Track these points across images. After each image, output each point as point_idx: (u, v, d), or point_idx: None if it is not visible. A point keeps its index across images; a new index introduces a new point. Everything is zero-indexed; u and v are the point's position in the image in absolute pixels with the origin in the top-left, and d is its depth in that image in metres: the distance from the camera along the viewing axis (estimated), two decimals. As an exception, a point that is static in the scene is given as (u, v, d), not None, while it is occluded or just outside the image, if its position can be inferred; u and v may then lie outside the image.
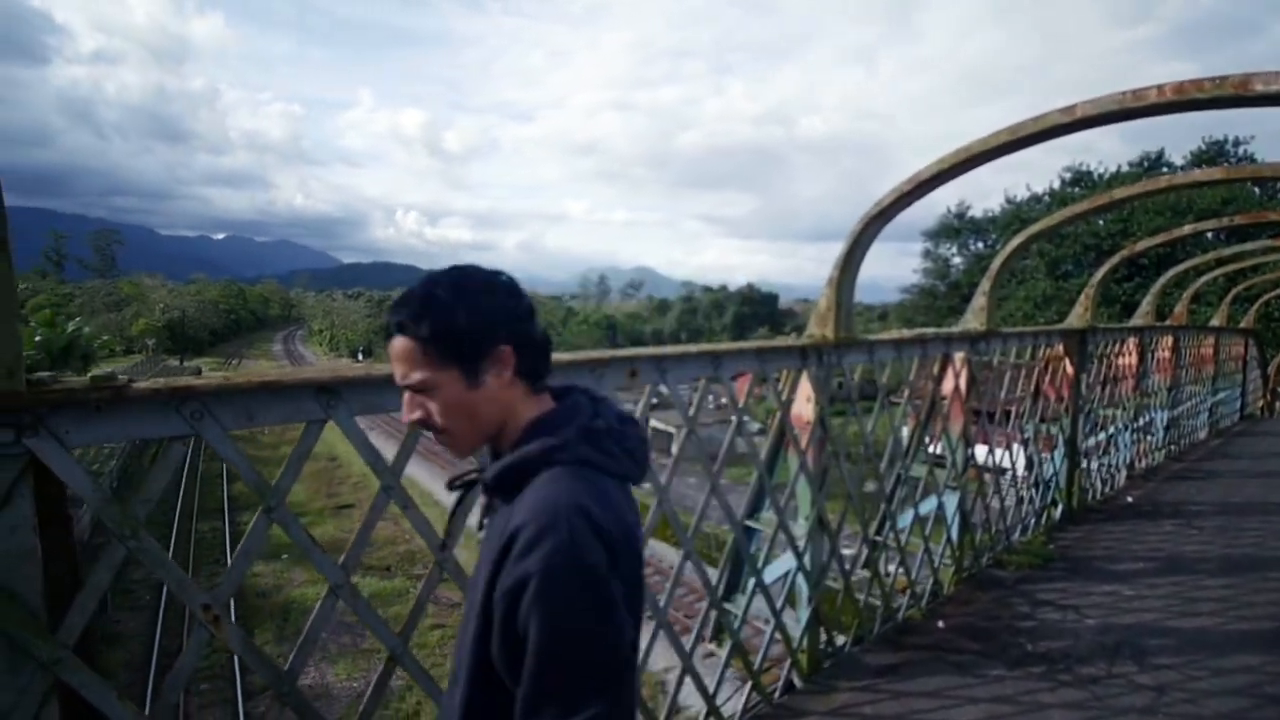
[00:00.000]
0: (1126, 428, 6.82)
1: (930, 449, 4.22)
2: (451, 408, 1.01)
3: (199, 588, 1.58)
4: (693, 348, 2.40)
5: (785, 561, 3.23)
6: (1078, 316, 5.59)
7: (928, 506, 4.06)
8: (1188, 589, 4.19)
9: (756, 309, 72.48)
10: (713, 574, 3.02)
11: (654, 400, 2.36)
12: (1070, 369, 5.45)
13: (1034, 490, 5.18)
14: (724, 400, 2.89)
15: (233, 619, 1.62)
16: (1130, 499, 6.25)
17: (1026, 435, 5.00)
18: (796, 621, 3.10)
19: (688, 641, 2.65)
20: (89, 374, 1.43)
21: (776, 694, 2.96)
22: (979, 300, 4.14)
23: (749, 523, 3.22)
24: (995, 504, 4.64)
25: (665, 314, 78.42)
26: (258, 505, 1.65)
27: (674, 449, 2.55)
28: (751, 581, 2.87)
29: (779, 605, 2.98)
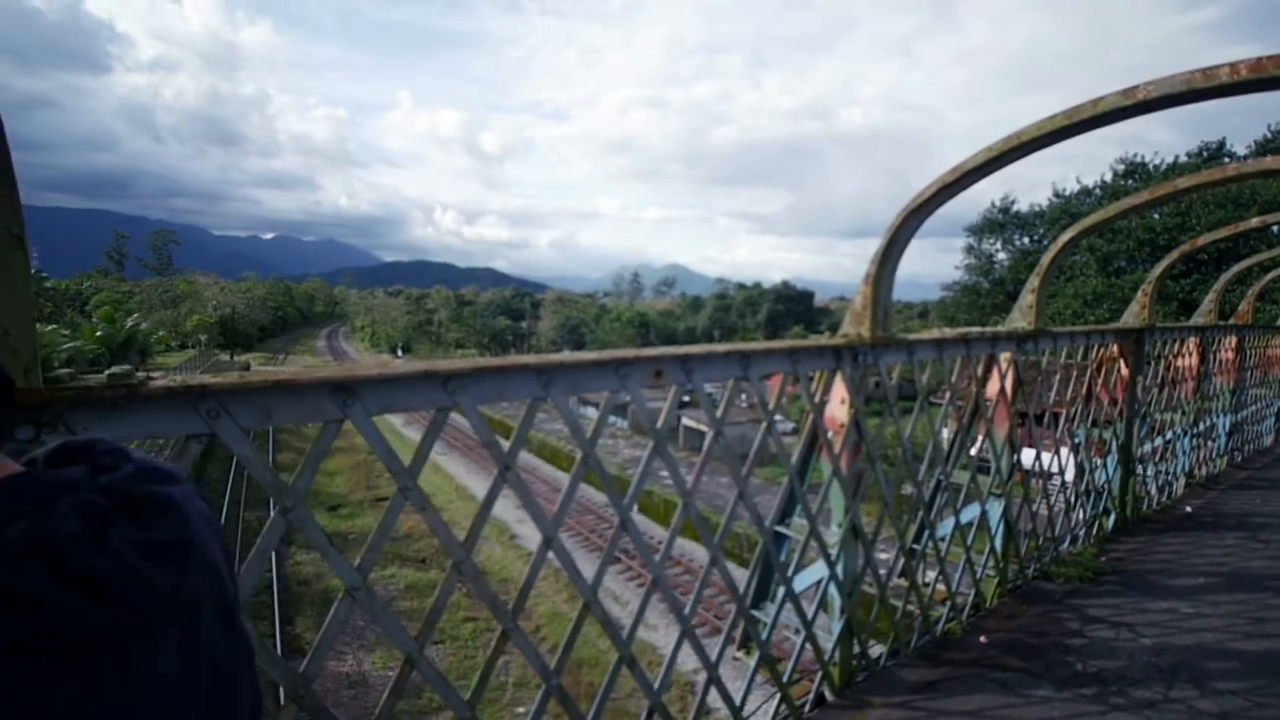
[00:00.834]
0: (1186, 433, 6.45)
1: (973, 453, 4.04)
2: None
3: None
4: (720, 347, 2.31)
5: (817, 569, 3.12)
6: (1134, 315, 5.29)
7: (970, 514, 3.88)
8: (1254, 608, 3.92)
9: (791, 306, 71.55)
10: (743, 576, 2.93)
11: (685, 398, 2.29)
12: (1125, 370, 5.17)
13: (1084, 498, 4.93)
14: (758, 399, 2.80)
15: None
16: (1189, 509, 5.91)
17: (1077, 440, 4.76)
18: (828, 632, 2.98)
19: (715, 647, 2.57)
20: (107, 371, 1.42)
21: (806, 707, 2.85)
22: (1027, 298, 3.93)
23: (779, 528, 3.11)
24: (1042, 512, 4.42)
25: (698, 312, 78.05)
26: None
27: (704, 449, 2.46)
28: (781, 590, 2.77)
29: (810, 615, 2.87)
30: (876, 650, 3.25)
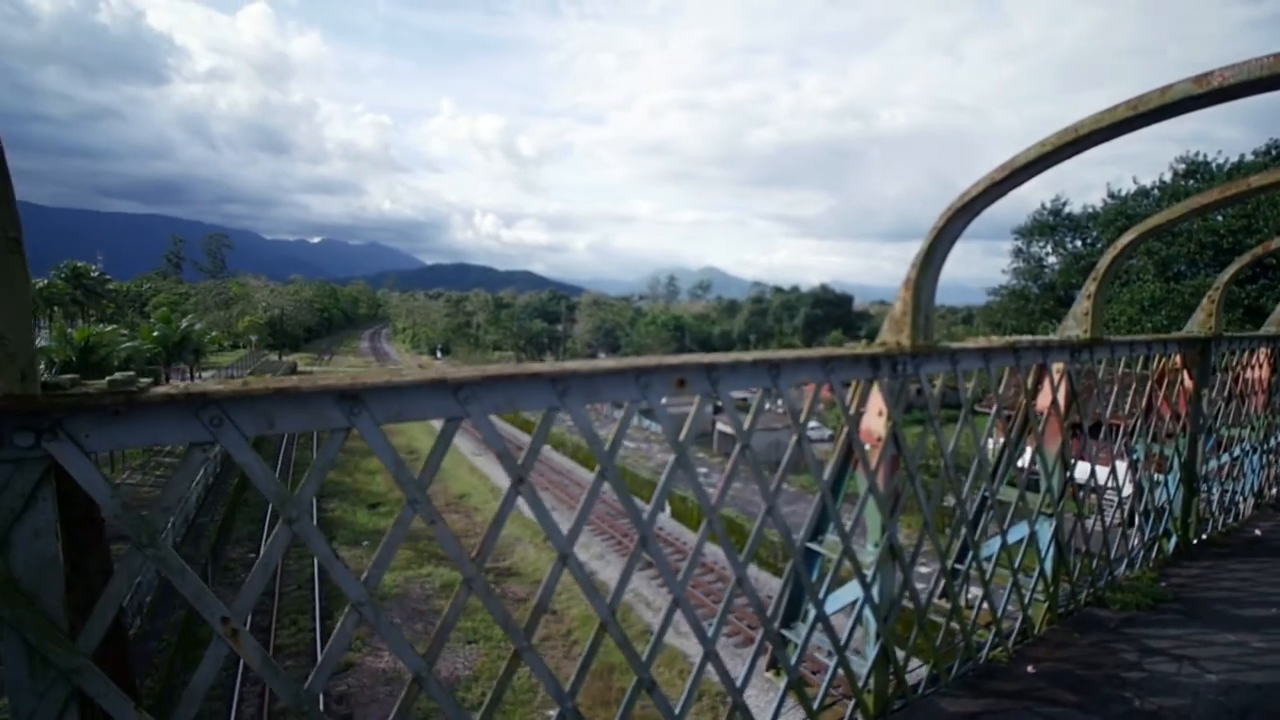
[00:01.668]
0: (1255, 450, 6.02)
1: (1021, 467, 3.81)
2: None
3: (218, 600, 1.52)
4: (747, 356, 2.18)
5: (851, 589, 2.96)
6: (1199, 323, 4.96)
7: (1017, 534, 3.66)
8: (1336, 643, 3.60)
9: (830, 311, 70.31)
10: (776, 584, 2.80)
11: (718, 401, 2.18)
12: (1189, 382, 4.84)
13: (1143, 519, 4.62)
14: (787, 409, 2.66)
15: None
16: (1258, 532, 5.50)
17: (1136, 456, 4.46)
18: (863, 658, 2.82)
19: (745, 658, 2.44)
20: (107, 378, 1.39)
21: (839, 736, 2.70)
22: (1082, 304, 3.69)
23: (811, 545, 2.96)
24: (1096, 531, 4.15)
25: (734, 315, 77.40)
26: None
27: (733, 458, 2.34)
28: (812, 613, 2.62)
29: (844, 637, 2.71)
30: (915, 676, 3.07)
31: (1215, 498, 5.48)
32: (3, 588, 1.29)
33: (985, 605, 3.40)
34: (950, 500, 3.20)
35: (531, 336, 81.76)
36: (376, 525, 25.98)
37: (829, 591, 2.76)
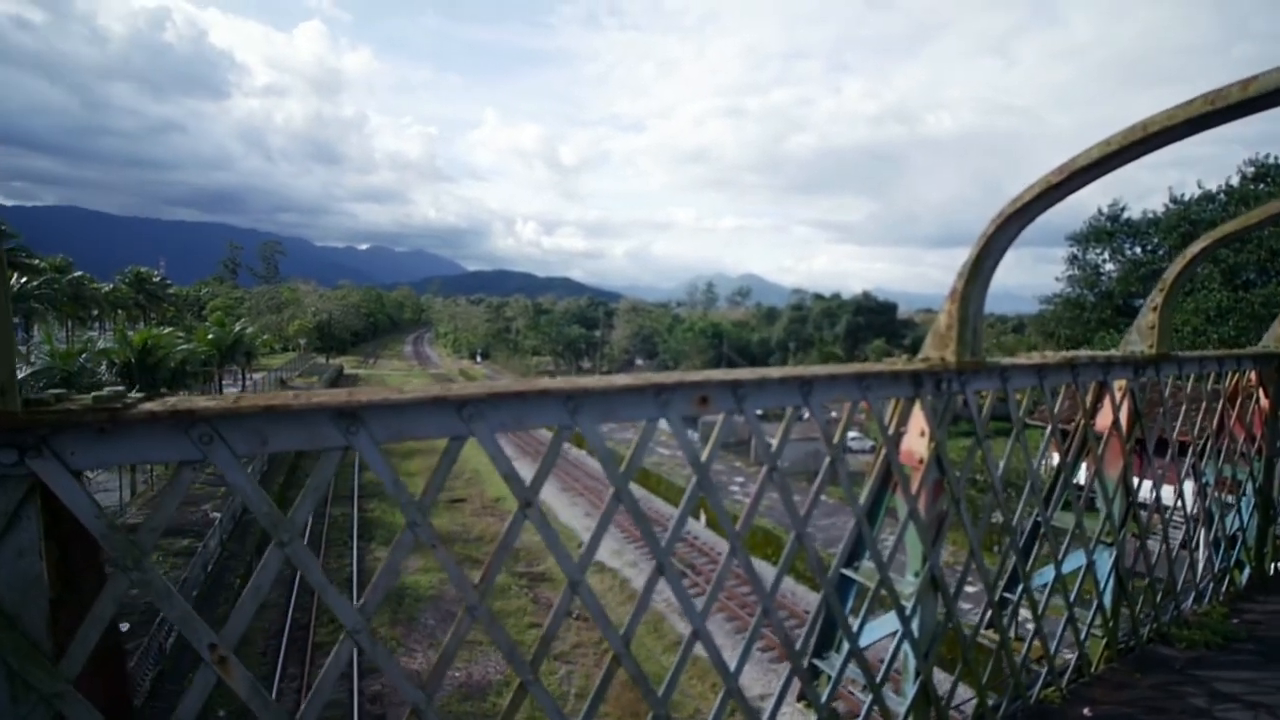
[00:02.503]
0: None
1: (1079, 490, 3.54)
2: None
3: (206, 626, 1.45)
4: (775, 372, 2.04)
5: (888, 621, 2.76)
6: (1276, 338, 4.57)
7: (1073, 562, 3.39)
8: None
9: (872, 319, 68.72)
10: (813, 600, 2.63)
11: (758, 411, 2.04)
12: (1265, 402, 4.46)
13: (1213, 548, 4.26)
14: (833, 413, 2.50)
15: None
16: (1346, 564, 5.04)
17: (1205, 480, 4.12)
18: (901, 695, 2.62)
19: (774, 682, 2.28)
20: (92, 393, 1.34)
21: (873, 781, 2.51)
22: (1148, 316, 3.42)
23: (846, 571, 2.78)
24: (1161, 561, 3.83)
25: (773, 323, 76.41)
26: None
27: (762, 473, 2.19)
28: (846, 647, 2.44)
29: (881, 674, 2.52)
30: (958, 714, 2.85)
31: (1295, 526, 5.04)
32: None
33: (1037, 639, 3.15)
34: (997, 517, 2.97)
35: (569, 343, 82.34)
36: (415, 527, 26.31)
37: (866, 621, 2.58)
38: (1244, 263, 25.93)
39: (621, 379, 1.80)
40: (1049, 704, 3.06)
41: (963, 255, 2.58)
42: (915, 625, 2.55)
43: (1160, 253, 30.32)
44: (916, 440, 2.54)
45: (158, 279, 74.91)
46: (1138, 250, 32.09)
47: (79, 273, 58.85)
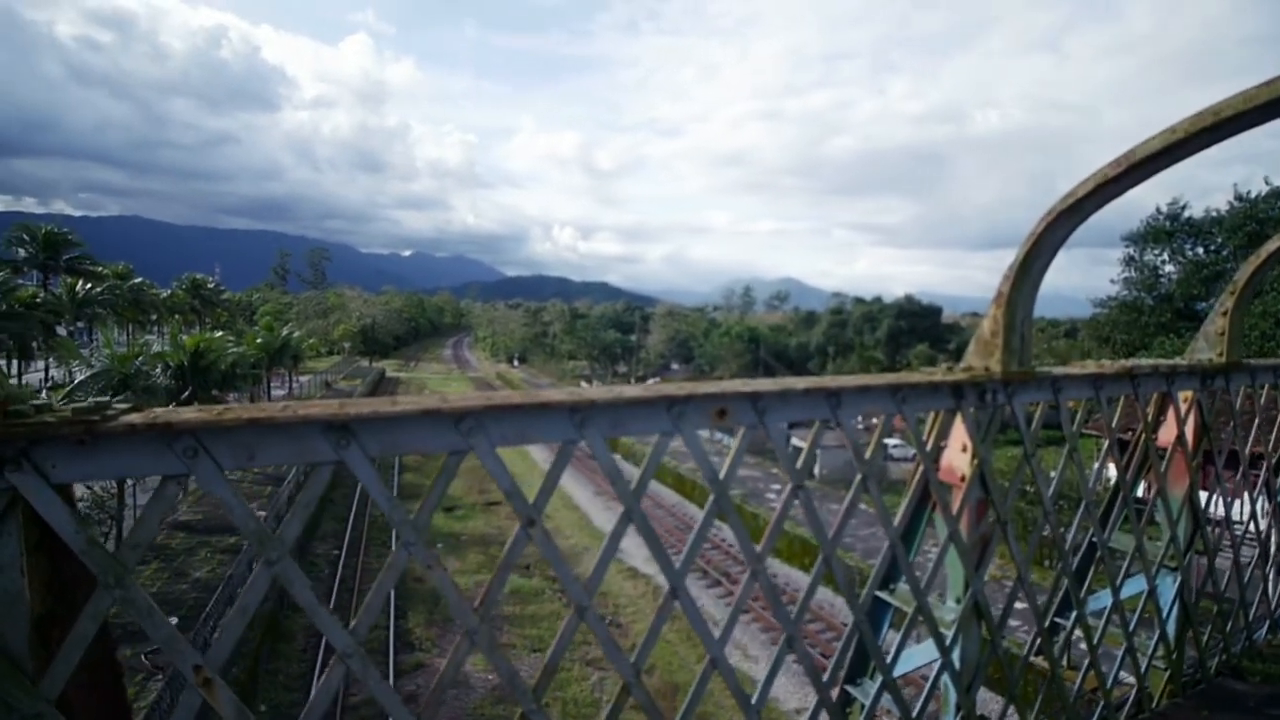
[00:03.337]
0: None
1: (1140, 509, 3.27)
2: None
3: (191, 646, 1.39)
4: (800, 383, 1.89)
5: (926, 650, 2.57)
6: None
7: (1133, 587, 3.13)
8: None
9: (915, 323, 66.89)
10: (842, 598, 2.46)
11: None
12: (1351, 414, 4.08)
13: (1291, 573, 3.91)
14: (873, 420, 2.33)
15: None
16: None
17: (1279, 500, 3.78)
18: (941, 731, 2.43)
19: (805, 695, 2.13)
20: (71, 405, 1.29)
21: (910, 823, 2.32)
22: (1217, 322, 3.14)
23: (880, 594, 2.60)
24: (1231, 585, 3.52)
25: (811, 327, 75.12)
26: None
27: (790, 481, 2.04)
28: (879, 677, 2.27)
29: (918, 708, 2.34)
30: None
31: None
32: None
33: (1091, 670, 2.90)
34: (1046, 532, 2.74)
35: (605, 347, 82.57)
36: (452, 529, 26.69)
37: (903, 647, 2.40)
38: (1318, 263, 24.38)
39: (631, 390, 1.68)
40: (1106, 742, 2.82)
41: (1010, 257, 2.39)
42: (956, 655, 2.36)
43: (1224, 253, 28.76)
44: (958, 456, 2.36)
45: (212, 285, 78.02)
46: (1199, 251, 30.50)
47: (139, 279, 61.75)
